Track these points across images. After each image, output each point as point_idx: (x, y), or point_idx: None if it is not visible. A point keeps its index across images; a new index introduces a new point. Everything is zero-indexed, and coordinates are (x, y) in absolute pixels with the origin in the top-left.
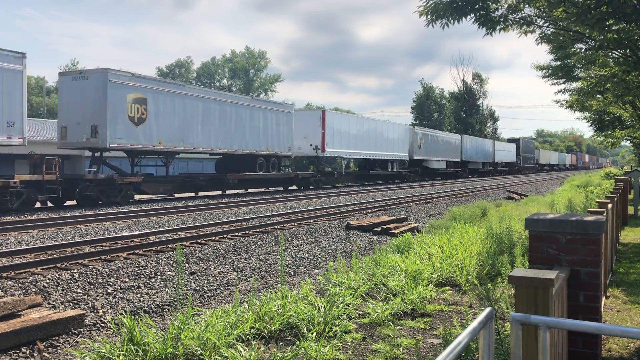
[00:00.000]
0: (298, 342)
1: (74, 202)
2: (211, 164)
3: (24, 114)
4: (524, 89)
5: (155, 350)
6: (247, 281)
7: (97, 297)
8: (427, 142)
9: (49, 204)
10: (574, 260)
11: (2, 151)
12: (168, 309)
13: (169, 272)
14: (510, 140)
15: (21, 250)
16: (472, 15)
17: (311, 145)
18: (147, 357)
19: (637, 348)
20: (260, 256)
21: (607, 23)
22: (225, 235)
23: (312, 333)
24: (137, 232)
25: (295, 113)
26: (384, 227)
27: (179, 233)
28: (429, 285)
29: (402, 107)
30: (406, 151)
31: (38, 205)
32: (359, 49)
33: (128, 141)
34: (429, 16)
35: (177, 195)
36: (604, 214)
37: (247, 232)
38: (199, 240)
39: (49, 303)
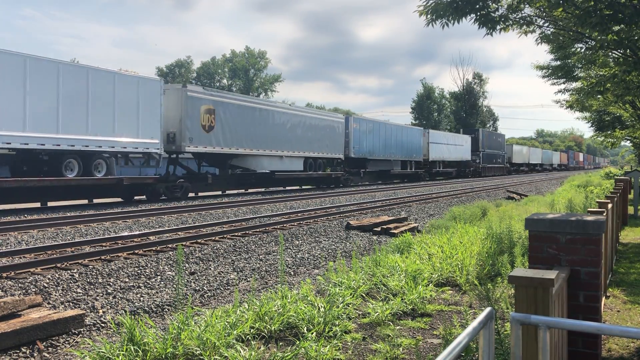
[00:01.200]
0: (298, 342)
1: None
2: None
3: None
4: (524, 89)
5: (155, 350)
6: (247, 281)
7: (97, 297)
8: (240, 121)
9: None
10: (574, 260)
11: None
12: (168, 309)
13: (169, 272)
14: (466, 132)
15: (21, 250)
16: (472, 15)
17: None
18: (147, 357)
19: (637, 348)
20: (260, 256)
21: (607, 25)
22: (225, 235)
23: (312, 333)
24: (137, 232)
25: None
26: (384, 227)
27: (179, 233)
28: (429, 285)
29: (402, 107)
30: (157, 136)
31: None
32: (359, 49)
33: None
34: (428, 16)
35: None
36: (604, 214)
37: (247, 232)
38: (199, 240)
39: (49, 303)
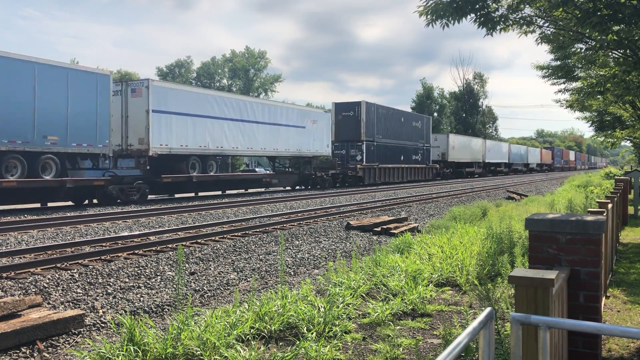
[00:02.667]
0: (298, 342)
1: None
2: None
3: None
4: (524, 89)
5: (155, 350)
6: (247, 281)
7: (97, 297)
8: None
9: None
10: (574, 260)
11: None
12: (168, 309)
13: (169, 272)
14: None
15: (21, 250)
16: (472, 15)
17: None
18: (147, 357)
19: (637, 348)
20: (260, 256)
21: (607, 25)
22: (225, 235)
23: (312, 333)
24: (137, 232)
25: None
26: (384, 227)
27: (179, 233)
28: (429, 285)
29: (403, 107)
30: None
31: None
32: (359, 49)
33: None
34: (429, 16)
35: (177, 195)
36: (604, 214)
37: (247, 232)
38: (199, 240)
39: (49, 303)
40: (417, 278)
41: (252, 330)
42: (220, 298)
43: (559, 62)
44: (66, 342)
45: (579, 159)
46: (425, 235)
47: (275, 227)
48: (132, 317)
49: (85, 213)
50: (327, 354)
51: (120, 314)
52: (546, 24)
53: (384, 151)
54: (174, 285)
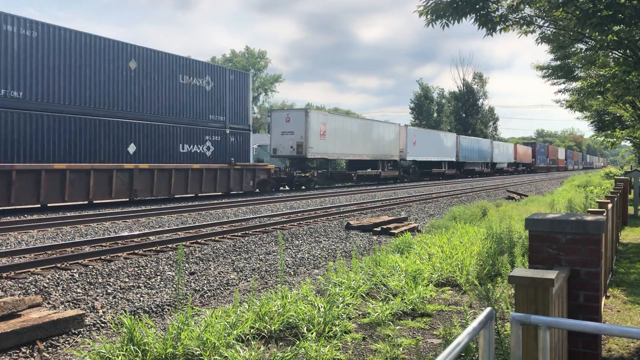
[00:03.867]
0: (298, 342)
1: None
2: None
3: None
4: (524, 89)
5: (155, 350)
6: (247, 281)
7: (97, 297)
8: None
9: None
10: (574, 260)
11: None
12: (168, 309)
13: (169, 272)
14: None
15: (21, 250)
16: (473, 15)
17: None
18: (147, 357)
19: (637, 348)
20: (260, 256)
21: (608, 26)
22: (225, 235)
23: (312, 333)
24: (137, 232)
25: None
26: (384, 227)
27: (179, 233)
28: (429, 285)
29: (403, 107)
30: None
31: None
32: (359, 49)
33: None
34: (428, 16)
35: (176, 196)
36: (604, 214)
37: (247, 232)
38: (199, 240)
39: (49, 303)
40: (417, 278)
41: (252, 330)
42: (220, 298)
43: (559, 62)
44: (66, 342)
45: (571, 158)
46: (425, 235)
47: (275, 227)
48: (132, 317)
49: (85, 213)
50: (327, 354)
51: (120, 314)
52: (546, 24)
53: (46, 130)
54: (174, 285)
